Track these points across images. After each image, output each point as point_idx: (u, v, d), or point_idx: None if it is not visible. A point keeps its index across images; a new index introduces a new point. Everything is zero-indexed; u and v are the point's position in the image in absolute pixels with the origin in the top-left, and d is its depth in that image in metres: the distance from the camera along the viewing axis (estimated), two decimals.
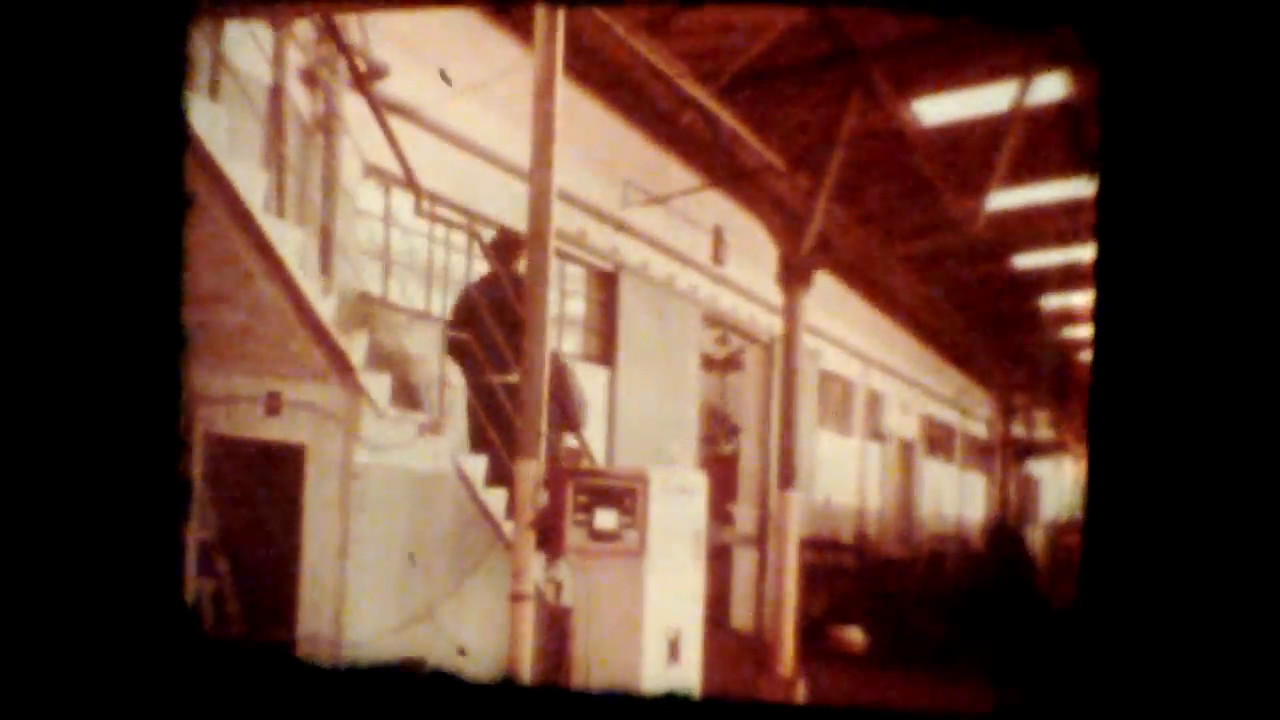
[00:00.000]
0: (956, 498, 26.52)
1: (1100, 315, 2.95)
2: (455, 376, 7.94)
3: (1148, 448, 2.87)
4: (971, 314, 20.14)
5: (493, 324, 7.34)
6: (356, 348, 6.56)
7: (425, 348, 8.44)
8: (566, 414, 7.74)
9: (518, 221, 7.05)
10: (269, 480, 6.71)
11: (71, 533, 3.06)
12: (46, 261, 3.07)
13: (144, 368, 3.07)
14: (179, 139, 3.13)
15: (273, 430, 6.63)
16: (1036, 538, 21.68)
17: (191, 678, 3.19)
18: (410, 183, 7.08)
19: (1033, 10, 3.63)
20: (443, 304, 8.89)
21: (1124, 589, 2.89)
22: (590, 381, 9.58)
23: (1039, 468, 32.07)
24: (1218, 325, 2.88)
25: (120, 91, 3.10)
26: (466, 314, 7.69)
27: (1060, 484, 33.97)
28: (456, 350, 7.74)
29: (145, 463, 3.08)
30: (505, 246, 7.89)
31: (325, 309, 6.40)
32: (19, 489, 3.04)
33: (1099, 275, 2.93)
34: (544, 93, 6.18)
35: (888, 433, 20.92)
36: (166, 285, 3.07)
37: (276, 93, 7.00)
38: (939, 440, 25.37)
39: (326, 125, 7.36)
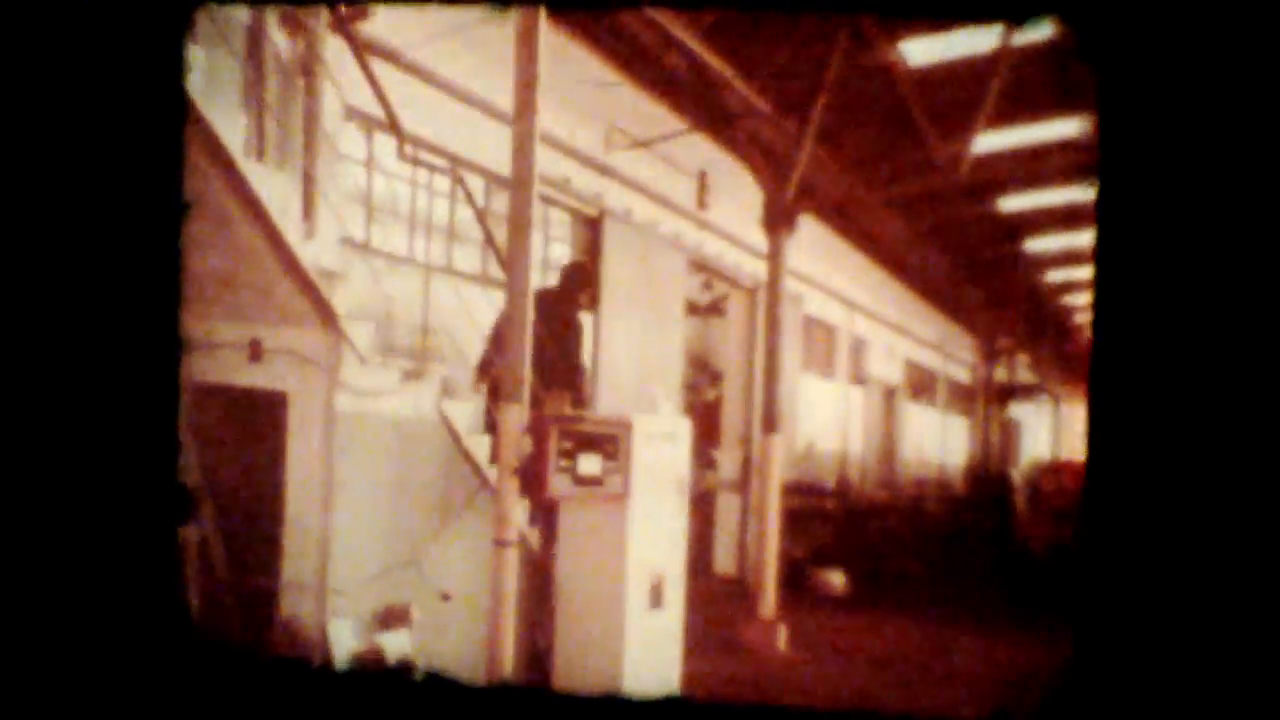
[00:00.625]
0: (939, 442, 26.71)
1: (1100, 259, 2.93)
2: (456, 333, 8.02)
3: (1150, 396, 2.87)
4: (956, 258, 20.15)
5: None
6: (339, 294, 6.52)
7: (409, 294, 8.40)
8: (573, 376, 7.85)
9: (501, 166, 6.98)
10: (252, 427, 6.70)
11: (71, 535, 3.05)
12: (46, 260, 3.03)
13: (143, 369, 3.05)
14: (178, 135, 3.08)
15: (255, 377, 6.61)
16: (1016, 480, 21.86)
17: (189, 679, 3.20)
18: (393, 126, 6.99)
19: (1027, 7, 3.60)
20: (425, 249, 8.83)
21: (1124, 541, 2.90)
22: None
23: (1020, 411, 32.31)
24: (1218, 270, 2.87)
25: (121, 81, 3.04)
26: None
27: (1040, 427, 34.27)
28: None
29: (143, 464, 3.07)
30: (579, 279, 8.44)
31: (307, 254, 6.35)
32: (18, 491, 3.02)
33: (1100, 222, 2.91)
34: (527, 35, 6.09)
35: (871, 377, 21.00)
36: (166, 282, 3.04)
37: (255, 34, 6.87)
38: (922, 384, 25.49)
39: (307, 67, 7.24)
